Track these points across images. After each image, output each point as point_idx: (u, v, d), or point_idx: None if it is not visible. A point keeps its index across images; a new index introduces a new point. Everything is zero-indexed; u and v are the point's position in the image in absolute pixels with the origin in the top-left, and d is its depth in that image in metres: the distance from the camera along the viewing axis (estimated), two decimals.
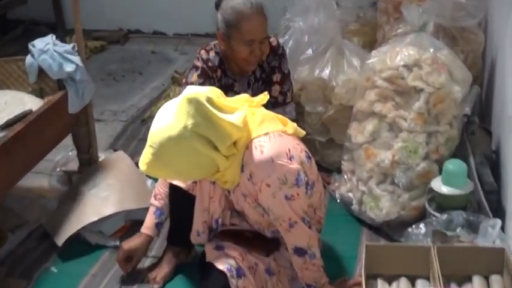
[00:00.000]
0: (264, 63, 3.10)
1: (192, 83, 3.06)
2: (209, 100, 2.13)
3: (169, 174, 2.28)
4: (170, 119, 2.13)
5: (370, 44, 3.84)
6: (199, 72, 3.02)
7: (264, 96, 2.43)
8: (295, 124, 2.42)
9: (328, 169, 3.39)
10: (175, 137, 2.09)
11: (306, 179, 2.29)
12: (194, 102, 2.10)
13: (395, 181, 2.83)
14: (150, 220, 2.67)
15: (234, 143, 2.20)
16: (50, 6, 5.79)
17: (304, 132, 2.46)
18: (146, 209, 2.79)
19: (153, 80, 4.92)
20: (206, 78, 3.02)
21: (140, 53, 5.56)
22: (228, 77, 3.10)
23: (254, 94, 3.14)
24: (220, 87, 3.04)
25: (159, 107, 4.08)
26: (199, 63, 3.06)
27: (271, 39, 3.08)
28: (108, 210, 2.88)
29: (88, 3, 5.81)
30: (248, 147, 2.22)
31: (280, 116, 2.43)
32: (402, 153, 2.80)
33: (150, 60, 5.39)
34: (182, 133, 2.09)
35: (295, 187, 2.22)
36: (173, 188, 2.55)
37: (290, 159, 2.21)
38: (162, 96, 4.45)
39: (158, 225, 2.68)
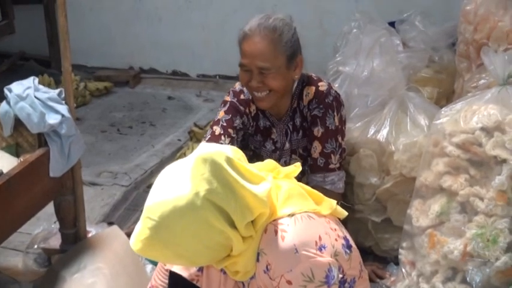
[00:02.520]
0: (305, 109, 3.20)
1: (218, 121, 3.19)
2: (229, 161, 2.14)
3: (169, 256, 2.22)
4: (176, 184, 2.11)
5: (447, 96, 3.86)
6: (226, 107, 3.22)
7: (296, 168, 2.44)
8: (333, 202, 2.40)
9: (384, 258, 3.38)
10: (183, 207, 2.06)
11: (342, 276, 2.27)
12: (210, 163, 2.09)
13: (468, 279, 2.79)
14: None
15: (252, 222, 2.21)
16: (43, 36, 5.98)
17: (345, 213, 2.44)
18: None
19: (167, 133, 5.02)
20: (236, 114, 3.20)
21: (154, 99, 5.68)
22: (266, 118, 3.21)
23: (293, 148, 3.27)
24: (257, 130, 3.23)
25: None
26: (228, 98, 3.29)
27: (320, 83, 3.20)
28: None
29: (92, 33, 6.03)
30: (267, 230, 2.22)
31: (312, 190, 2.44)
32: (477, 243, 2.76)
33: (166, 108, 5.50)
34: (192, 201, 2.06)
35: (324, 286, 2.18)
36: (173, 278, 2.56)
37: (320, 250, 2.19)
38: (177, 155, 4.51)
39: None
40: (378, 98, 3.41)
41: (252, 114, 3.25)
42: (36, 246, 3.47)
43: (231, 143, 3.18)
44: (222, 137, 3.20)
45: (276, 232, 2.19)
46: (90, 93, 5.70)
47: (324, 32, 5.38)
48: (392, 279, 3.17)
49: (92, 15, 6.08)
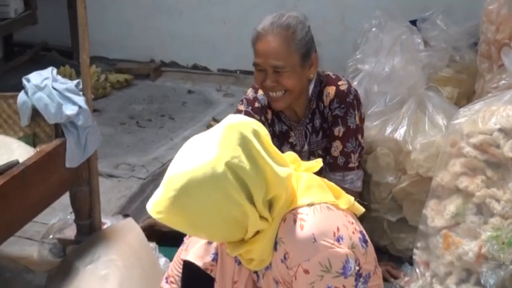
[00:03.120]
0: (325, 109, 3.18)
1: None
2: (256, 134, 2.13)
3: (186, 225, 2.19)
4: (200, 151, 2.09)
5: (467, 97, 3.83)
6: None
7: (317, 163, 2.43)
8: (352, 198, 2.40)
9: (399, 258, 3.37)
10: (204, 174, 2.03)
11: (358, 268, 2.26)
12: (237, 132, 2.09)
13: (482, 281, 2.77)
14: None
15: (270, 206, 2.19)
16: (65, 27, 5.98)
17: (363, 210, 2.44)
18: None
19: (187, 127, 5.03)
20: None
21: (174, 92, 5.70)
22: (283, 123, 3.20)
23: (312, 150, 3.25)
24: (273, 135, 3.17)
25: None
26: (242, 107, 3.25)
27: (340, 82, 3.18)
28: None
29: (114, 26, 6.04)
30: (285, 219, 2.21)
31: (332, 184, 2.43)
32: (492, 245, 2.74)
33: (186, 101, 5.51)
34: (214, 168, 2.03)
35: (341, 277, 2.18)
36: (188, 267, 2.56)
37: (338, 241, 2.18)
38: None
39: None
40: (396, 96, 3.40)
41: (269, 121, 3.23)
42: (51, 237, 3.49)
43: None
44: None
45: (294, 221, 2.19)
46: (110, 85, 5.71)
47: (345, 28, 5.35)
48: (406, 279, 3.16)
49: (114, 7, 6.09)
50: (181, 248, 2.60)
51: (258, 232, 2.20)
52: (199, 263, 2.46)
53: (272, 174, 2.12)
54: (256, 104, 3.24)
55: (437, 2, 4.60)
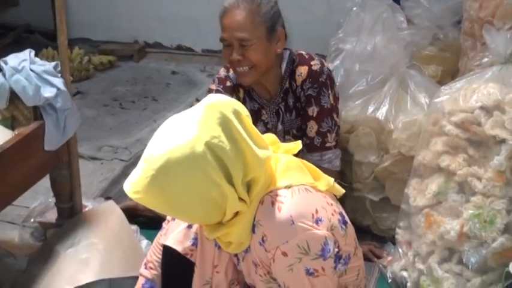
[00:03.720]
0: (298, 89, 3.17)
1: None
2: (236, 114, 2.11)
3: (164, 206, 2.16)
4: (180, 130, 2.07)
5: (452, 75, 3.82)
6: None
7: (296, 145, 2.41)
8: (331, 179, 2.38)
9: (382, 237, 3.37)
10: (183, 153, 2.01)
11: (337, 250, 2.26)
12: (217, 112, 2.07)
13: (464, 260, 2.77)
14: None
15: (248, 188, 2.18)
16: (48, 9, 5.90)
17: (343, 191, 2.42)
18: (135, 278, 2.79)
19: (170, 108, 5.01)
20: None
21: (158, 73, 5.68)
22: (254, 101, 3.20)
23: (286, 129, 3.25)
24: None
25: None
26: (213, 86, 3.29)
27: (312, 62, 3.17)
28: (86, 277, 2.89)
29: (97, 7, 6.00)
30: (263, 201, 2.19)
31: (311, 165, 2.42)
32: (474, 224, 2.74)
33: (170, 82, 5.50)
34: (193, 147, 2.02)
35: (320, 259, 2.17)
36: (167, 252, 2.54)
37: (316, 223, 2.17)
38: None
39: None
40: (378, 75, 3.39)
41: (241, 100, 3.20)
42: (32, 220, 3.47)
43: None
44: None
45: (272, 203, 2.17)
46: (94, 67, 5.68)
47: (330, 7, 5.29)
48: (389, 258, 3.16)
49: None
50: (160, 233, 2.60)
51: (236, 215, 2.19)
52: (178, 248, 2.44)
53: (252, 156, 2.10)
54: (228, 83, 3.27)
55: None
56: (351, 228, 2.35)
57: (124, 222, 3.22)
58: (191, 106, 4.56)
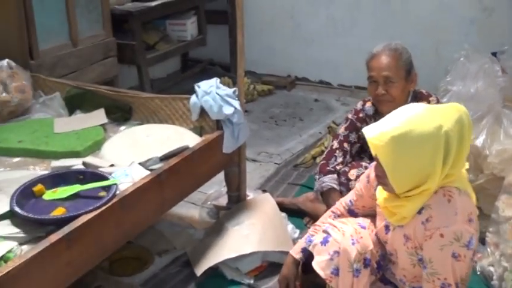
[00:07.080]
0: None
1: (338, 135, 3.15)
2: (468, 122, 2.13)
3: (387, 158, 2.11)
4: (425, 115, 2.09)
5: None
6: (347, 124, 3.20)
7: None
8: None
9: None
10: (429, 133, 2.05)
11: (473, 247, 2.16)
12: (457, 113, 2.10)
13: None
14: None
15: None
16: (226, 49, 6.07)
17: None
18: (283, 252, 2.78)
19: (312, 127, 4.97)
20: (353, 130, 3.16)
21: (304, 100, 5.65)
22: None
23: None
24: None
25: (312, 155, 4.16)
26: (349, 115, 3.23)
27: (431, 98, 3.09)
28: (248, 248, 2.91)
29: (261, 49, 6.07)
30: (437, 192, 2.15)
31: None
32: None
33: (312, 108, 5.46)
34: (437, 132, 2.05)
35: (465, 248, 2.09)
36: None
37: (469, 221, 2.11)
38: (317, 144, 4.47)
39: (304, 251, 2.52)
40: (478, 112, 3.24)
41: None
42: (209, 203, 3.53)
43: (344, 156, 3.17)
44: (337, 151, 3.19)
45: (444, 195, 2.14)
46: (257, 93, 5.73)
47: (439, 57, 5.16)
48: (479, 255, 3.01)
49: (262, 35, 6.09)
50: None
51: (413, 191, 2.15)
52: (321, 273, 2.32)
53: (463, 155, 2.13)
54: (361, 114, 3.20)
55: None
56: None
57: (276, 209, 3.22)
58: (328, 126, 4.62)
